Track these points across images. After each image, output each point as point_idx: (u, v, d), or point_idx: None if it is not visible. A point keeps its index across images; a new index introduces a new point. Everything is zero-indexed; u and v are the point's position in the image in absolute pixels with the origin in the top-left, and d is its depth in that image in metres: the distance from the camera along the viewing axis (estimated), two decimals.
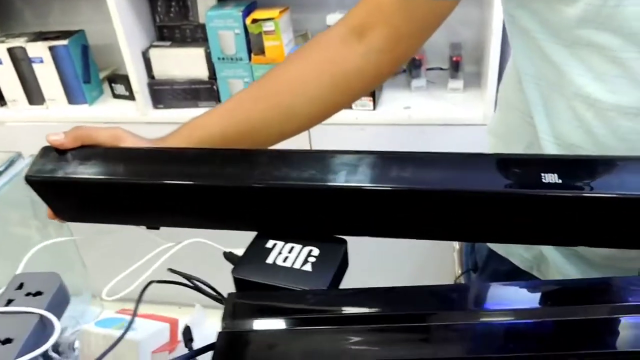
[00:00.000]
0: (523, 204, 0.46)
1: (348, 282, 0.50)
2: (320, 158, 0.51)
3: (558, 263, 0.76)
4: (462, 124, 1.50)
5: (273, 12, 1.50)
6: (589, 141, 0.66)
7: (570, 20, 0.59)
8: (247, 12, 1.53)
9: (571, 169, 0.47)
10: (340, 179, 0.48)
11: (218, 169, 0.52)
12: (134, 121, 1.66)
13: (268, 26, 1.49)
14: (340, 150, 0.51)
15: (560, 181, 0.45)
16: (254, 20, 1.50)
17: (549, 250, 0.77)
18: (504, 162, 0.49)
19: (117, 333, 0.60)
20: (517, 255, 0.81)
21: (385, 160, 0.49)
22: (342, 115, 1.58)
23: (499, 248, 0.83)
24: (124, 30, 1.55)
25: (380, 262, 1.61)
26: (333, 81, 0.66)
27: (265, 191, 0.50)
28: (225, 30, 1.54)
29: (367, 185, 0.47)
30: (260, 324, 0.41)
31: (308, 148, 1.67)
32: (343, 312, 0.42)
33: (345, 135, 1.60)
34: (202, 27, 1.64)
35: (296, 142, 1.64)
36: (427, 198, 0.47)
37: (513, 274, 0.83)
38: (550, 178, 0.45)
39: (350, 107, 1.58)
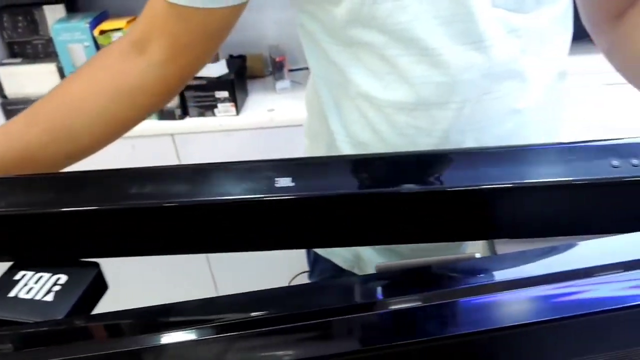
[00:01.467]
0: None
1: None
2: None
3: (373, 259, 0.78)
4: None
5: (121, 23, 1.46)
6: (375, 139, 0.68)
7: (340, 20, 0.61)
8: (95, 24, 1.48)
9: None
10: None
11: None
12: None
13: (117, 37, 1.45)
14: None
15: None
16: (102, 32, 1.45)
17: (363, 248, 0.78)
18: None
19: None
20: (338, 256, 0.83)
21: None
22: (205, 122, 1.57)
23: (321, 250, 0.85)
24: None
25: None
26: (116, 97, 0.64)
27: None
28: (74, 43, 1.48)
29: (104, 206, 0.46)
30: None
31: (175, 160, 1.64)
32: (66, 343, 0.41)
33: (211, 142, 1.59)
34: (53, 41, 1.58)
35: (164, 157, 1.59)
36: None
37: (337, 274, 0.84)
38: (284, 181, 0.45)
39: (214, 115, 1.57)
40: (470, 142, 0.64)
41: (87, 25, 1.46)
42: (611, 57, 0.71)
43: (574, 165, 0.44)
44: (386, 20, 0.58)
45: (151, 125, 1.59)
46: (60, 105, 0.63)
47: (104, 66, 0.66)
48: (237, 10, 0.64)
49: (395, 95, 0.63)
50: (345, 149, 0.71)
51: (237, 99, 1.54)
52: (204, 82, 1.52)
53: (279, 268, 1.57)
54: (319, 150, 0.78)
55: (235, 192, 0.45)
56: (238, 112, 1.56)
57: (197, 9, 0.61)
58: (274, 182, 0.46)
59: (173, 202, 0.46)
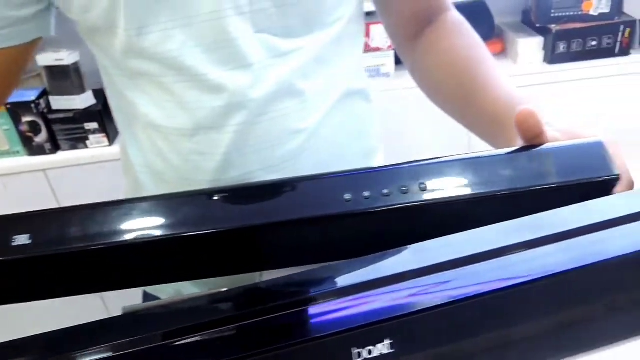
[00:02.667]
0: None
1: None
2: None
3: (192, 291, 0.77)
4: None
5: None
6: (167, 167, 0.68)
7: (120, 52, 0.61)
8: None
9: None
10: None
11: None
12: None
13: None
14: None
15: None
16: None
17: (182, 283, 0.78)
18: None
19: None
20: (162, 292, 0.82)
21: None
22: (78, 155, 1.54)
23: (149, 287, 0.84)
24: None
25: None
26: None
27: None
28: None
29: None
30: None
31: (51, 196, 1.59)
32: None
33: (86, 175, 1.55)
34: None
35: (39, 194, 1.53)
36: None
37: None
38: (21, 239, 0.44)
39: (86, 147, 1.53)
40: (254, 164, 0.65)
41: None
42: (413, 74, 0.74)
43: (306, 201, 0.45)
44: (157, 50, 0.59)
45: (22, 162, 1.54)
46: None
47: None
48: (19, 53, 0.63)
49: (176, 122, 0.64)
50: (146, 180, 0.70)
51: (107, 129, 1.51)
52: (71, 114, 1.49)
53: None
54: (129, 186, 0.77)
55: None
56: (111, 142, 1.54)
57: None
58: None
59: None
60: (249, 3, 0.58)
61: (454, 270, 0.35)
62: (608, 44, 1.60)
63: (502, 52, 1.72)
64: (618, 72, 1.63)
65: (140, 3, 0.56)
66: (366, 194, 0.43)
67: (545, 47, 1.62)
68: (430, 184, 0.44)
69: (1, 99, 0.69)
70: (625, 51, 1.62)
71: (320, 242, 0.48)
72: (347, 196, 0.43)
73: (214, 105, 0.61)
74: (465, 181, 0.44)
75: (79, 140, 1.53)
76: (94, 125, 1.51)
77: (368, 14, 0.75)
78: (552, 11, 1.59)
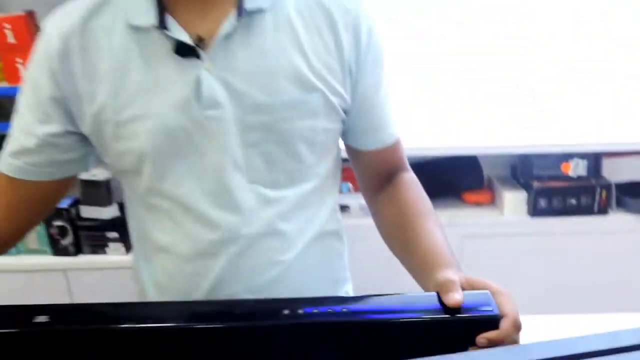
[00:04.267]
0: None
1: None
2: None
3: None
4: None
5: None
6: (170, 282, 0.83)
7: (143, 189, 0.78)
8: None
9: None
10: None
11: None
12: None
13: None
14: None
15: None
16: None
17: None
18: None
19: None
20: None
21: None
22: (98, 259, 1.70)
23: None
24: None
25: None
26: None
27: None
28: None
29: None
30: None
31: (67, 295, 1.73)
32: None
33: (103, 278, 1.70)
34: None
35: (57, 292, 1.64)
36: None
37: None
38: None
39: (105, 253, 1.70)
40: (241, 287, 0.80)
41: None
42: (374, 220, 0.90)
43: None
44: (172, 192, 0.77)
45: (47, 260, 1.71)
46: None
47: None
48: (60, 184, 0.80)
49: (181, 248, 0.80)
50: (150, 292, 0.85)
51: (126, 239, 1.69)
52: (96, 223, 1.68)
53: None
54: (137, 291, 0.91)
55: None
56: (127, 251, 1.70)
57: (25, 180, 0.77)
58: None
59: None
60: (244, 161, 0.75)
61: None
62: (587, 203, 1.75)
63: (491, 203, 1.88)
64: (597, 229, 1.77)
65: (163, 157, 0.74)
66: (300, 311, 0.58)
67: (528, 202, 1.78)
68: (351, 307, 0.59)
69: (36, 223, 0.85)
70: (603, 210, 1.77)
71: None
72: (285, 312, 0.58)
73: (211, 238, 0.77)
74: (378, 309, 0.59)
75: (99, 247, 1.70)
76: (114, 235, 1.69)
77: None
78: (534, 169, 1.78)
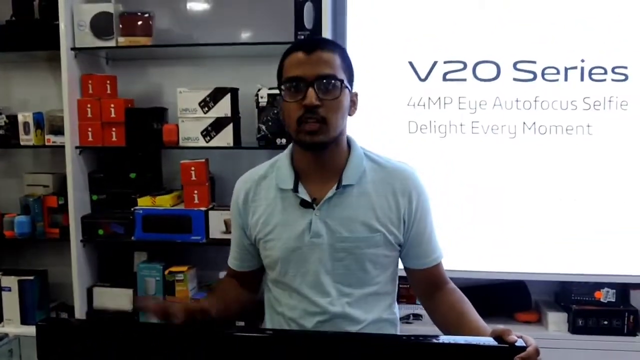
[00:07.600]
0: None
1: None
2: None
3: None
4: None
5: (182, 268, 2.23)
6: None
7: (275, 279, 1.32)
8: (165, 267, 2.26)
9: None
10: None
11: None
12: None
13: (179, 276, 2.21)
14: None
15: None
16: (170, 272, 2.21)
17: None
18: None
19: None
20: None
21: None
22: None
23: None
24: (77, 273, 2.22)
25: None
26: (236, 296, 1.39)
27: None
28: (150, 278, 2.24)
29: None
30: None
31: None
32: None
33: None
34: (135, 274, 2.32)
35: None
36: None
37: None
38: None
39: None
40: None
41: (161, 267, 2.23)
42: (430, 316, 1.35)
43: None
44: (289, 284, 1.29)
45: None
46: (221, 293, 1.40)
47: (225, 285, 1.43)
48: (256, 273, 1.40)
49: (291, 315, 1.30)
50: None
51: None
52: None
53: None
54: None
55: None
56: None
57: (241, 271, 1.39)
58: None
59: None
60: (332, 269, 1.24)
61: None
62: (617, 325, 2.17)
63: (537, 321, 2.32)
64: (627, 347, 2.16)
65: (286, 263, 1.26)
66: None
67: (568, 321, 2.22)
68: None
69: (257, 285, 1.44)
70: (631, 332, 2.17)
71: None
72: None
73: (310, 311, 1.28)
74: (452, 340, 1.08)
75: None
76: None
77: None
78: (572, 295, 2.23)
